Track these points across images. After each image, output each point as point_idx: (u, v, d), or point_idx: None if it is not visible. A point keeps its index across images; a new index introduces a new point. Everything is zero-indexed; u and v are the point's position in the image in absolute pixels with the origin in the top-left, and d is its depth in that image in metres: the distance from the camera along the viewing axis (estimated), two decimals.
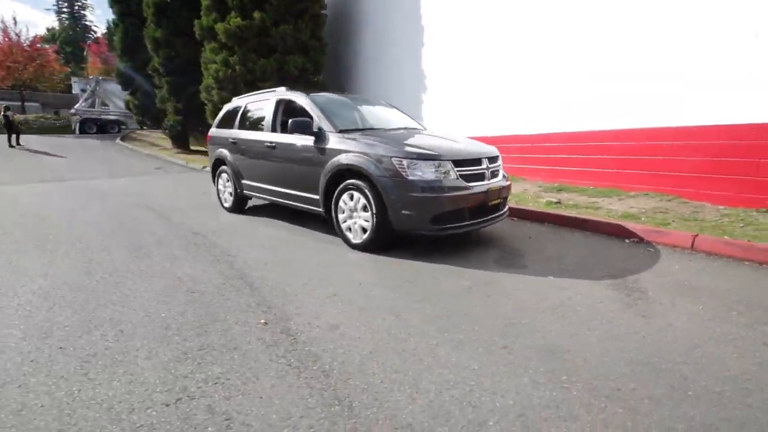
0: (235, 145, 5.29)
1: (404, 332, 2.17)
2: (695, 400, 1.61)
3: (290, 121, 4.00)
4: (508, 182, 3.93)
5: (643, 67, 5.41)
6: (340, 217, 3.83)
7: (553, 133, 6.69)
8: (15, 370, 1.87)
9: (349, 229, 3.77)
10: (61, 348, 2.05)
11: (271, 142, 4.57)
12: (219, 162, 5.75)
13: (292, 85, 12.76)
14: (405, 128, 4.40)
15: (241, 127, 5.29)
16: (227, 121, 5.69)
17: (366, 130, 4.05)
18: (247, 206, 5.75)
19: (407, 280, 2.95)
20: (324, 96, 4.59)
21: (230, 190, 5.56)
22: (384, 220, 3.45)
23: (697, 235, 3.54)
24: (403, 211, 3.31)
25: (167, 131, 16.66)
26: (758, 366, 1.84)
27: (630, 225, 4.07)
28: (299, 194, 4.32)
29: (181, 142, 17.65)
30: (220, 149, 5.64)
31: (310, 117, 4.13)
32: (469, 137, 4.56)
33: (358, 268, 3.21)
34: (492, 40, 7.95)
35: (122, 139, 18.17)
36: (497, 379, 1.76)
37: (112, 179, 9.62)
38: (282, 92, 4.81)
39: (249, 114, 5.24)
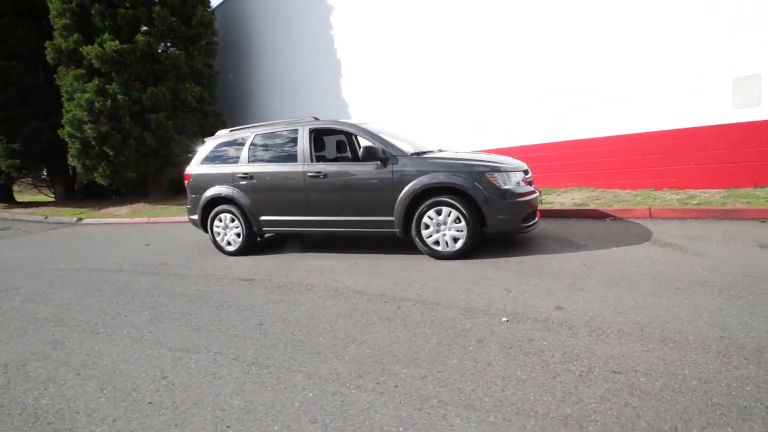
0: (249, 181, 4.85)
1: (623, 299, 2.76)
2: None
3: (363, 147, 4.12)
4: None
5: (561, 96, 7.32)
6: (425, 232, 4.13)
7: (488, 149, 8.19)
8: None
9: (437, 242, 4.11)
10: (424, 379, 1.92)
11: (318, 172, 4.48)
12: (215, 202, 5.12)
13: (188, 116, 11.63)
14: (443, 149, 4.96)
15: (256, 160, 4.90)
16: (223, 157, 5.14)
17: (428, 152, 4.46)
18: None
19: (536, 269, 3.54)
20: (367, 123, 4.73)
21: (237, 230, 5.02)
22: (477, 227, 3.96)
23: (650, 208, 5.21)
24: (499, 216, 3.90)
25: None
26: None
27: (601, 209, 5.58)
28: (363, 219, 4.37)
29: (4, 195, 13.45)
30: (217, 188, 5.06)
31: (369, 143, 4.31)
32: None
33: (483, 270, 3.62)
34: (411, 71, 9.14)
35: None
36: (711, 302, 2.57)
37: None
38: (311, 121, 4.74)
39: (266, 146, 4.91)
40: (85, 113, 9.76)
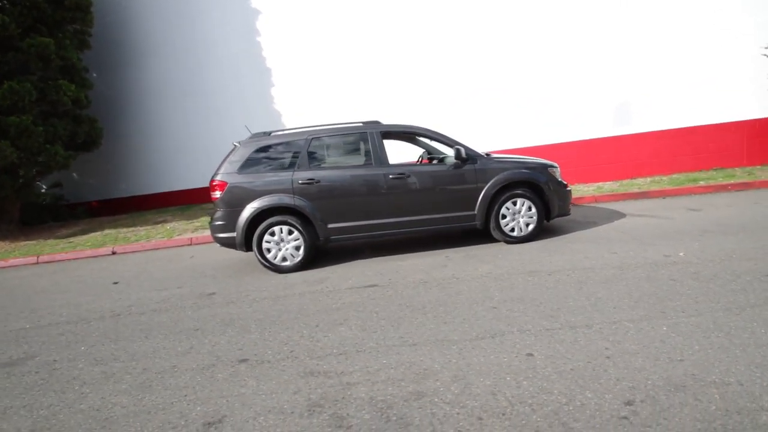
0: (316, 186, 4.47)
1: (687, 244, 4.02)
2: None
3: (455, 148, 4.48)
4: None
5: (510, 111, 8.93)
6: (502, 222, 4.74)
7: None
8: None
9: (512, 229, 4.76)
10: None
11: (401, 173, 4.55)
12: (265, 214, 4.49)
13: (58, 121, 9.27)
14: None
15: (317, 164, 4.56)
16: (271, 163, 4.56)
17: (487, 153, 5.06)
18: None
19: (597, 239, 4.61)
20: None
21: (295, 244, 4.54)
22: (543, 214, 4.81)
23: (595, 196, 7.11)
24: (559, 203, 4.86)
25: None
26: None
27: None
28: (446, 216, 4.66)
29: None
30: (270, 197, 4.49)
31: (447, 143, 4.69)
32: None
33: (565, 245, 4.49)
34: (348, 81, 9.50)
35: None
36: (732, 238, 4.06)
37: None
38: (377, 124, 4.75)
39: (326, 150, 4.63)
40: None
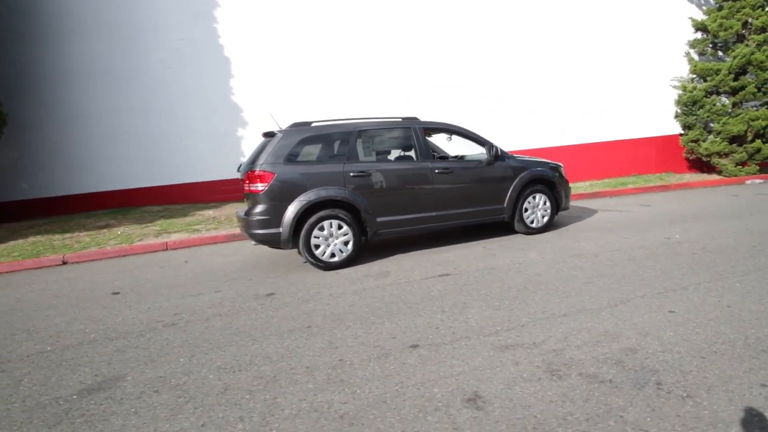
0: (366, 180, 4.39)
1: (684, 226, 4.98)
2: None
3: (495, 147, 4.84)
4: None
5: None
6: (525, 214, 5.24)
7: None
8: None
9: (532, 221, 5.29)
10: None
11: (446, 168, 4.74)
12: (314, 208, 4.25)
13: None
14: None
15: (366, 159, 4.50)
16: (318, 154, 4.36)
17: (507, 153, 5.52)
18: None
19: (599, 229, 5.42)
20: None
21: (344, 239, 4.40)
22: (555, 207, 5.45)
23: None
24: (565, 198, 5.55)
25: None
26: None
27: None
28: (479, 209, 4.99)
29: None
30: (322, 189, 4.30)
31: (481, 143, 5.03)
32: None
33: (579, 233, 5.18)
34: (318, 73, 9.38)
35: None
36: (708, 223, 5.17)
37: None
38: (416, 121, 4.87)
39: (372, 143, 4.61)
40: None
